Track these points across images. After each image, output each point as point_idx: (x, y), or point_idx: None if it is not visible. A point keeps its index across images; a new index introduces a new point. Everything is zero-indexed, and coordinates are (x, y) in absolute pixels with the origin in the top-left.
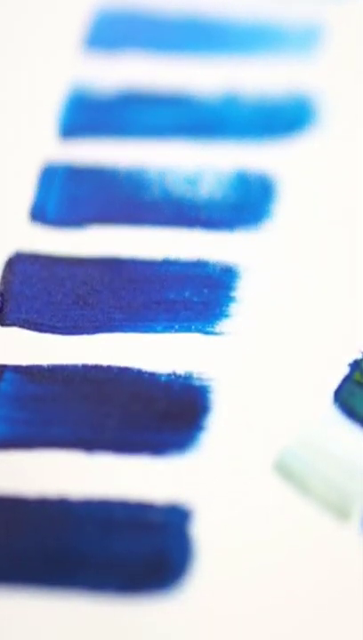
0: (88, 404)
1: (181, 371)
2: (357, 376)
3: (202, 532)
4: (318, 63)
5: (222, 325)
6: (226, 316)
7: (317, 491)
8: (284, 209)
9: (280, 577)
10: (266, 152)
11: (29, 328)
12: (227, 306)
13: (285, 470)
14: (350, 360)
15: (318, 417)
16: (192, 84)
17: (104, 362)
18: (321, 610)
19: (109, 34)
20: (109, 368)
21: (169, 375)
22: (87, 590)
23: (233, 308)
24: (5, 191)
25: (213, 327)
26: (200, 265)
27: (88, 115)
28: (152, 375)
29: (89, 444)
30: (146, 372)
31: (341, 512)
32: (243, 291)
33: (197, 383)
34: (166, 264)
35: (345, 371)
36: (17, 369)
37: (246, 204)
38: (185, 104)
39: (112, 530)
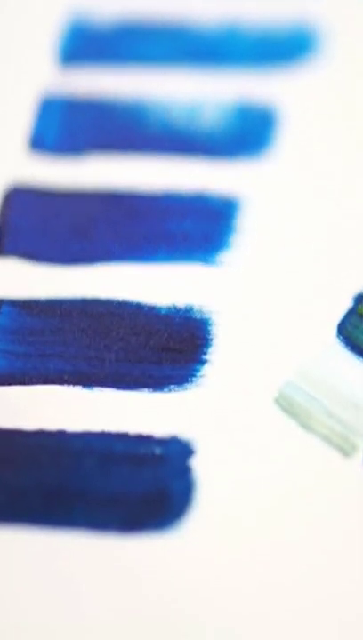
0: (87, 338)
1: (181, 303)
2: (361, 309)
3: (203, 467)
4: None
5: (223, 257)
6: (227, 247)
7: (320, 425)
8: (286, 139)
9: (282, 512)
10: (268, 81)
11: (27, 260)
12: (228, 237)
13: (287, 404)
14: (354, 293)
15: (321, 350)
16: (193, 13)
17: (103, 295)
18: (323, 545)
19: None
20: (109, 301)
21: (169, 308)
22: (86, 527)
23: (234, 240)
24: (4, 121)
25: (214, 258)
26: (201, 196)
27: (87, 43)
28: (152, 308)
29: (88, 378)
30: (146, 305)
31: (344, 446)
32: (244, 222)
33: (197, 316)
34: (167, 195)
35: (349, 304)
36: (14, 302)
37: (248, 134)
38: (186, 33)
39: (112, 465)
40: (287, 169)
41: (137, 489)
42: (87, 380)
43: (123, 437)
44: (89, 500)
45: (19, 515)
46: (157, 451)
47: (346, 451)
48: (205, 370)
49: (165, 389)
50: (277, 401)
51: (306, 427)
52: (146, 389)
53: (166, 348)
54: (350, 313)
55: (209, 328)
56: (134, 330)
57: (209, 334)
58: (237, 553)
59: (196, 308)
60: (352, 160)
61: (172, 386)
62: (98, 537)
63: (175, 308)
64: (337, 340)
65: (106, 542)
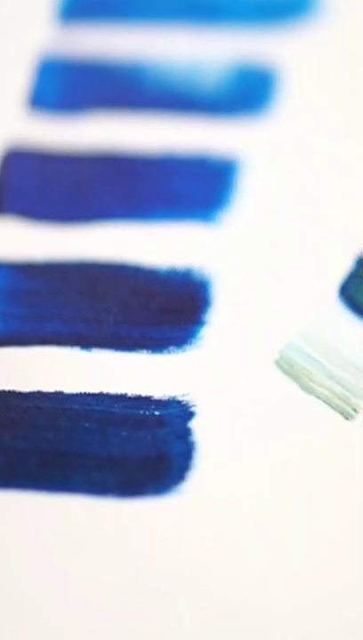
0: (86, 300)
1: (180, 265)
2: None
3: (202, 429)
4: None
5: (224, 217)
6: (227, 207)
7: (320, 387)
8: (286, 98)
9: (283, 475)
10: (268, 40)
11: (26, 219)
12: (228, 197)
13: (287, 366)
14: (356, 255)
15: (322, 312)
16: None
17: (102, 255)
18: (323, 507)
19: None
20: (107, 263)
21: (169, 269)
22: (85, 491)
23: (234, 200)
24: (3, 80)
25: (214, 218)
26: (200, 155)
27: (87, 1)
28: (151, 270)
29: (86, 339)
30: (145, 267)
31: (345, 409)
32: (244, 182)
33: (197, 277)
34: (166, 155)
35: (351, 266)
36: (12, 264)
37: (248, 93)
38: None
39: (110, 427)
40: (288, 128)
41: (136, 452)
42: (85, 342)
43: (121, 399)
44: (87, 463)
45: (16, 478)
46: (157, 412)
47: (347, 413)
48: (205, 331)
49: (165, 351)
50: (277, 363)
51: (307, 389)
52: (145, 351)
53: (166, 310)
54: (352, 275)
55: (209, 289)
56: (134, 291)
57: (209, 295)
58: (237, 515)
59: (195, 269)
60: (352, 119)
61: (171, 347)
62: (96, 500)
63: (175, 269)
64: (339, 302)
65: (105, 505)
